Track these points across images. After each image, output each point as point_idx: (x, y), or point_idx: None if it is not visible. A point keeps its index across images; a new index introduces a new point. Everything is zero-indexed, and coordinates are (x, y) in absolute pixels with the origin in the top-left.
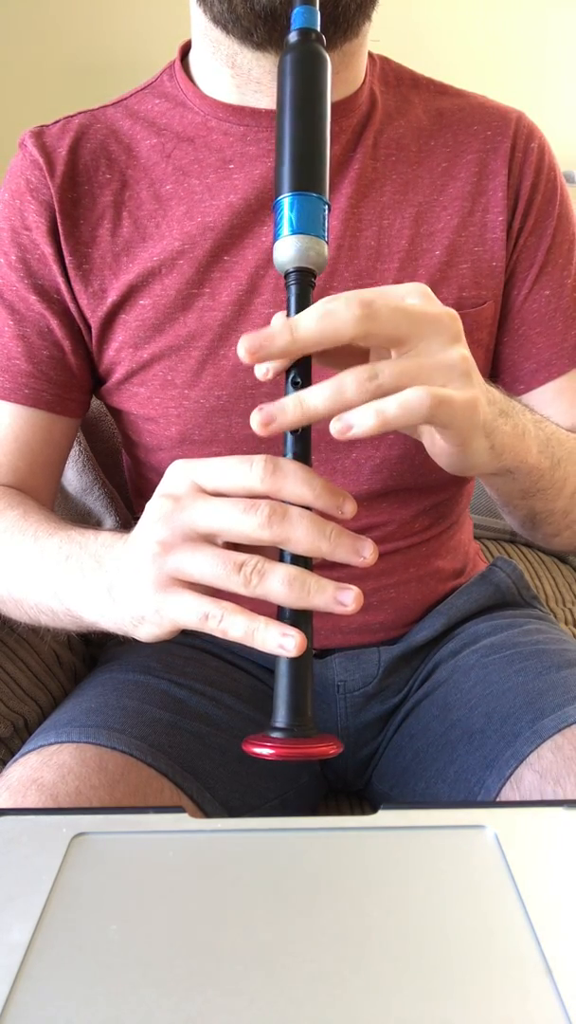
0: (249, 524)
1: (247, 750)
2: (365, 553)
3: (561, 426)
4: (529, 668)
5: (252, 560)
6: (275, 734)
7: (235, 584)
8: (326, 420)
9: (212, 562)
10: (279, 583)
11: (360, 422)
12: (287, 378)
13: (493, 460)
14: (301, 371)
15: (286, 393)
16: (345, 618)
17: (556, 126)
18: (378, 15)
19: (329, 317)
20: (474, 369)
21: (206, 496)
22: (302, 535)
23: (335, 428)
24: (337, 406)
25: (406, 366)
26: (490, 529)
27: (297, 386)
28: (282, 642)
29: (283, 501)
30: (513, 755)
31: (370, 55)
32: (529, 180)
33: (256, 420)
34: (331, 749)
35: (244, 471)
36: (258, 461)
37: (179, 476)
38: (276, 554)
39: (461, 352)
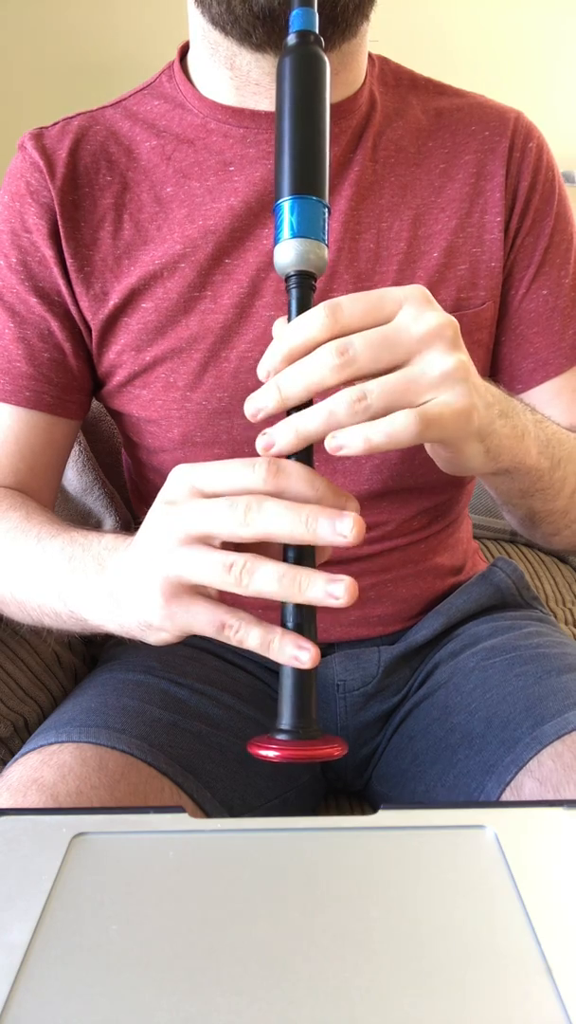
0: (232, 521)
1: (252, 752)
2: (344, 531)
3: (560, 425)
4: (529, 672)
5: (241, 559)
6: (280, 736)
7: (229, 584)
8: None
9: (206, 563)
10: (270, 580)
11: (350, 444)
12: None
13: (489, 462)
14: None
15: None
16: (344, 610)
17: (558, 125)
18: (378, 15)
19: (309, 374)
20: (472, 374)
21: (200, 498)
22: (279, 524)
23: (329, 445)
24: (331, 428)
25: (396, 385)
26: (490, 529)
27: None
28: (297, 655)
29: None
30: (513, 761)
31: (370, 56)
32: (527, 180)
33: (260, 446)
34: (336, 751)
35: (247, 473)
36: (260, 463)
37: (179, 481)
38: (278, 552)
39: (458, 359)
